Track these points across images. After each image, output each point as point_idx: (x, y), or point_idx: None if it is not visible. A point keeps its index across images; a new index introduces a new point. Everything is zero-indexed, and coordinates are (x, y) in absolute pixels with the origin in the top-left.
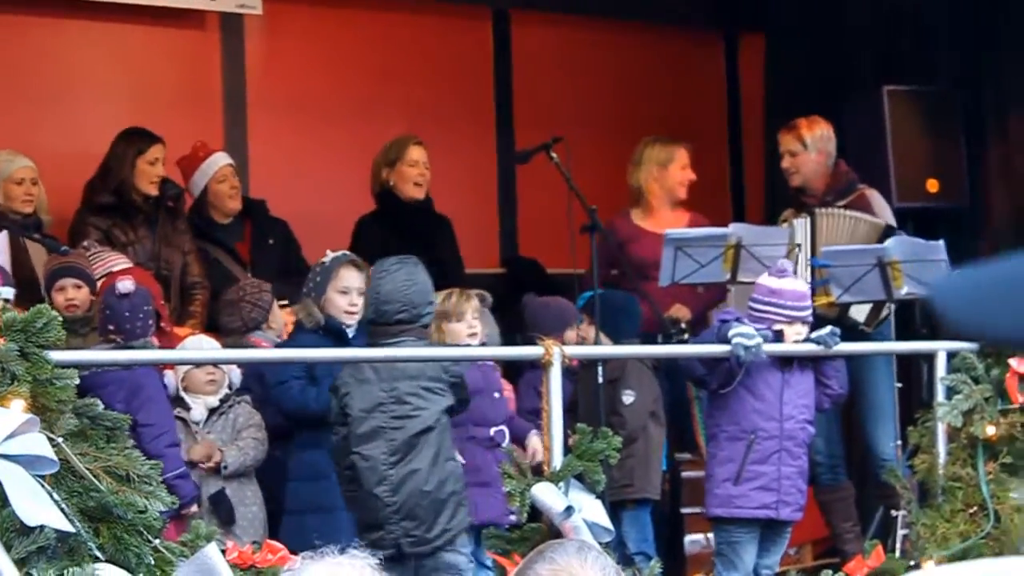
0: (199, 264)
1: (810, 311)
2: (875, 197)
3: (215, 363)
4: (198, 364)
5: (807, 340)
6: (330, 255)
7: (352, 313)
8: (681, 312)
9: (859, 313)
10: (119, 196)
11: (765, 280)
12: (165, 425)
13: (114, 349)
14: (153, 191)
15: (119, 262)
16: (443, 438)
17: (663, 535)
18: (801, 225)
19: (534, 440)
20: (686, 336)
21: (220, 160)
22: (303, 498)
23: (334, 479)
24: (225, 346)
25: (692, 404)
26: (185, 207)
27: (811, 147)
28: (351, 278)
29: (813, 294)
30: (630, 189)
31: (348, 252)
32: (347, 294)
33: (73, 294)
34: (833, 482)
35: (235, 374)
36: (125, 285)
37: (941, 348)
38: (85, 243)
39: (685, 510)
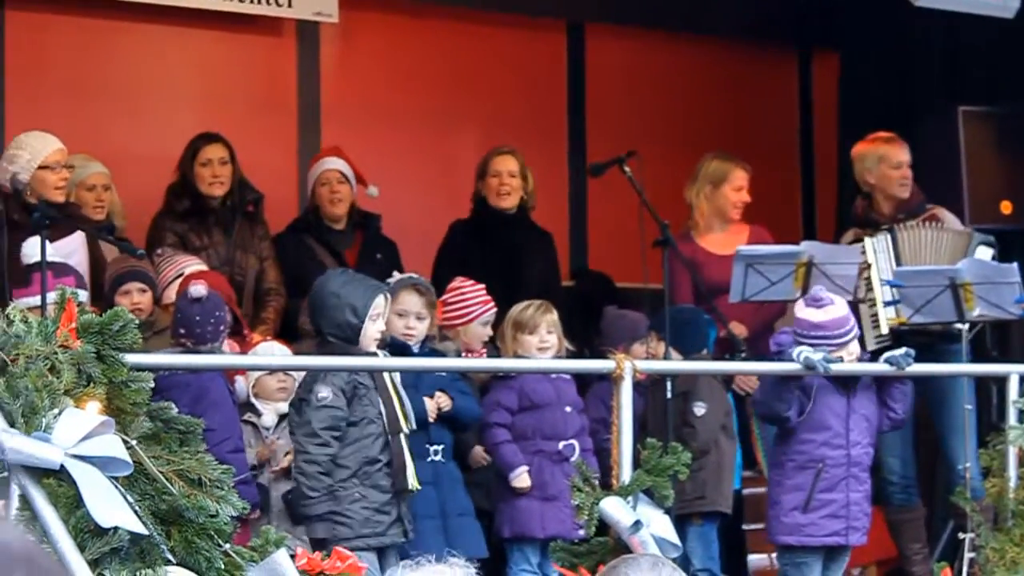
0: (276, 271)
1: (855, 329)
2: (946, 216)
3: (284, 370)
4: (271, 371)
5: (880, 359)
6: (395, 277)
7: (409, 335)
8: (737, 329)
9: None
10: (194, 201)
11: (805, 314)
12: (229, 430)
13: (184, 353)
14: (215, 192)
15: (190, 264)
16: None
17: (723, 552)
18: (882, 243)
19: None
20: (743, 354)
21: (327, 164)
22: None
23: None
24: (297, 352)
25: (751, 421)
26: (264, 210)
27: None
28: (409, 302)
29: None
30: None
31: (414, 275)
32: (404, 317)
33: (138, 298)
34: (906, 503)
35: None
36: (197, 290)
37: (1014, 371)
38: (159, 250)
39: (746, 527)
